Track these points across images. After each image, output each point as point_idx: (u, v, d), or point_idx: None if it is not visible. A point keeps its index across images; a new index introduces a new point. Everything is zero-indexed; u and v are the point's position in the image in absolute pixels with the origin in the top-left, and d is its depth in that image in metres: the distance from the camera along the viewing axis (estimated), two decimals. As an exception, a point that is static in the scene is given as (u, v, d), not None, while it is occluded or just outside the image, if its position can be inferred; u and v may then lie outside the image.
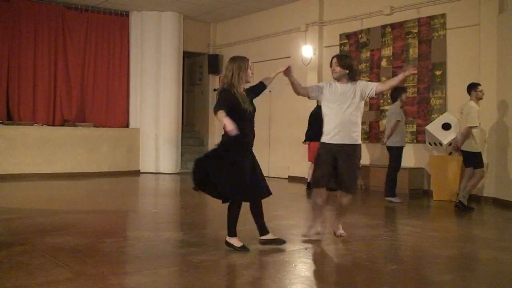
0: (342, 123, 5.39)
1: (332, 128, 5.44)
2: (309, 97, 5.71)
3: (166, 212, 8.00)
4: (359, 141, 5.50)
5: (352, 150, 5.42)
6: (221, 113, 4.64)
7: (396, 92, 8.84)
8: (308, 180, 10.21)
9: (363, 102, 5.52)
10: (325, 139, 5.51)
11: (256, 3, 12.79)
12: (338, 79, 5.50)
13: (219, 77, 14.83)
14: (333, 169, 5.43)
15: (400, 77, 5.56)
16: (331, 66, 5.58)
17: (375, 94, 5.62)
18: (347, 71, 5.47)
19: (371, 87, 5.49)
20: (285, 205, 8.48)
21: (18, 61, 12.32)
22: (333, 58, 5.62)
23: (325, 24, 11.89)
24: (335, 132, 5.41)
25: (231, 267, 4.50)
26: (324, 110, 5.54)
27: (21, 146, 11.84)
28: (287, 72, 5.34)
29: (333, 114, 5.45)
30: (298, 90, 5.63)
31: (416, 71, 5.01)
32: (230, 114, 4.66)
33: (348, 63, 5.50)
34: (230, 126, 4.55)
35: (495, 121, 8.46)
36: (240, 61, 4.90)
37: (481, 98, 7.95)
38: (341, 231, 5.62)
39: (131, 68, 13.81)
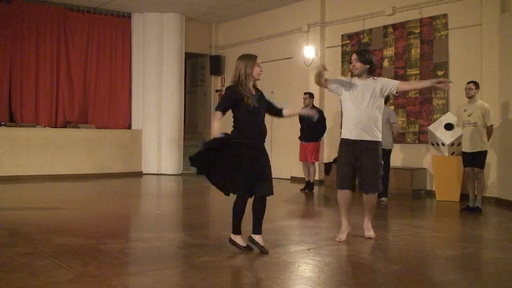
0: (363, 119, 5.37)
1: (353, 124, 5.41)
2: (328, 89, 5.69)
3: (169, 213, 8.00)
4: (380, 138, 5.47)
5: (373, 147, 5.40)
6: (215, 114, 4.80)
7: None
8: (307, 180, 10.22)
9: (383, 99, 5.52)
10: (345, 135, 5.50)
11: (258, 4, 12.79)
12: (359, 75, 5.51)
13: (222, 78, 14.86)
14: (354, 169, 5.46)
15: (427, 83, 5.73)
16: (350, 63, 5.61)
17: (396, 93, 5.63)
18: (368, 66, 5.50)
19: (393, 84, 5.48)
20: (287, 206, 8.48)
21: (20, 63, 12.35)
22: (352, 54, 5.66)
23: (326, 25, 11.89)
24: (356, 128, 5.39)
25: (234, 268, 4.50)
26: (344, 105, 5.53)
27: (24, 148, 11.86)
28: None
29: (353, 110, 5.42)
30: (321, 82, 5.54)
31: (449, 87, 5.05)
32: (234, 109, 4.82)
33: (368, 58, 5.52)
34: (214, 131, 4.68)
35: (498, 121, 8.43)
36: (247, 59, 4.92)
37: (468, 96, 7.83)
38: (370, 233, 5.62)
39: (133, 69, 13.83)
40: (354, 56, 5.58)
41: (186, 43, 14.12)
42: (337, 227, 6.54)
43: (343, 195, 5.55)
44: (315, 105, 10.21)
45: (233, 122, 4.90)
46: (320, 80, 5.48)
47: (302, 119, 9.94)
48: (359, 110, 5.38)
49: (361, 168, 5.43)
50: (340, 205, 5.63)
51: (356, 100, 5.41)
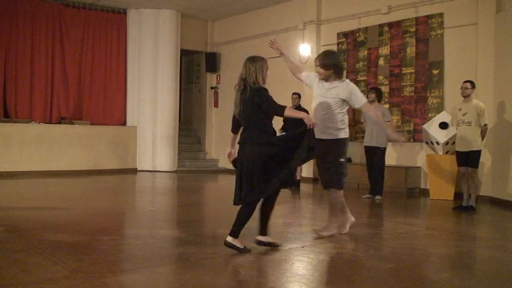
0: (322, 119, 5.31)
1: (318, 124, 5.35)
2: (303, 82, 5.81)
3: (163, 210, 7.99)
4: (340, 136, 5.39)
5: (330, 146, 5.36)
6: (291, 109, 4.81)
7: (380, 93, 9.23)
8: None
9: (345, 103, 5.41)
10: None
11: (254, 2, 12.78)
12: (325, 80, 5.40)
13: (217, 75, 14.84)
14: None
15: (387, 130, 6.16)
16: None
17: (356, 108, 5.68)
18: (332, 71, 5.35)
19: (359, 101, 5.43)
20: (282, 203, 8.49)
21: (15, 58, 12.28)
22: (315, 58, 5.55)
23: (322, 23, 11.89)
24: (318, 127, 5.20)
25: (228, 265, 4.50)
26: (313, 103, 5.56)
27: (18, 143, 11.81)
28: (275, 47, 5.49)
29: (316, 109, 5.44)
30: (295, 73, 5.76)
31: (402, 140, 5.63)
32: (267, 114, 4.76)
33: (329, 63, 5.34)
34: (310, 118, 4.68)
35: (492, 121, 8.45)
36: (264, 62, 4.87)
37: (463, 95, 7.82)
38: (340, 229, 5.60)
39: (128, 66, 13.78)
40: (316, 61, 5.45)
41: (181, 40, 14.08)
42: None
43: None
44: (301, 105, 10.31)
45: (262, 123, 4.75)
46: (292, 70, 5.76)
47: (287, 119, 10.03)
48: (319, 110, 5.38)
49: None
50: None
51: (319, 99, 5.42)
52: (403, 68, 10.18)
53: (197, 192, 10.32)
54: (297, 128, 4.79)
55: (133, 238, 5.46)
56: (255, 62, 4.82)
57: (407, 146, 10.18)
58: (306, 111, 10.11)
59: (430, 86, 9.74)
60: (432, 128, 8.93)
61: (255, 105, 4.67)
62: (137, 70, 13.71)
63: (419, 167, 9.92)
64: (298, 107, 10.13)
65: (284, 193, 9.66)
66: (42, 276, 3.85)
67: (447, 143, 8.77)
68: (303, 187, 10.59)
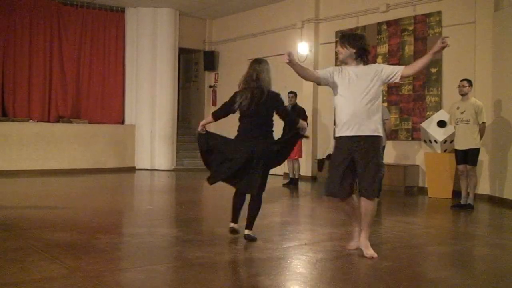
0: (358, 113, 4.54)
1: (346, 120, 4.59)
2: (319, 83, 4.80)
3: (162, 208, 7.99)
4: (380, 133, 4.64)
5: (371, 143, 4.56)
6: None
7: None
8: (291, 176, 10.45)
9: (381, 87, 4.73)
10: (338, 132, 4.70)
11: (253, 0, 12.77)
12: (344, 61, 4.73)
13: (215, 74, 14.84)
14: (352, 172, 4.62)
15: (427, 57, 4.62)
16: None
17: (399, 79, 4.76)
18: (354, 51, 4.67)
19: (395, 71, 4.67)
20: (280, 202, 8.49)
21: (13, 57, 12.28)
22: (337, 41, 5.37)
23: (321, 21, 11.90)
24: (350, 123, 4.57)
25: (227, 263, 4.50)
26: (336, 99, 4.72)
27: (16, 142, 11.81)
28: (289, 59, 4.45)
29: (346, 103, 4.61)
30: (304, 75, 4.70)
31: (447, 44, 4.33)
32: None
33: (354, 42, 4.70)
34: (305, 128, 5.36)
35: (490, 119, 8.46)
36: (269, 65, 5.21)
37: (461, 93, 7.79)
38: (368, 251, 4.61)
39: (126, 64, 13.78)
40: (338, 43, 4.89)
41: (180, 39, 14.08)
42: (330, 224, 6.57)
43: (344, 202, 4.78)
44: (298, 103, 10.32)
45: (271, 124, 5.27)
46: (301, 73, 4.65)
47: (284, 117, 10.04)
48: (352, 103, 4.57)
49: (357, 169, 4.61)
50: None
51: (347, 92, 4.61)
52: (401, 67, 10.18)
53: (196, 191, 10.32)
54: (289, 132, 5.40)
55: (131, 236, 5.46)
56: (263, 64, 5.12)
57: (405, 144, 10.19)
58: (303, 110, 10.15)
59: (428, 84, 9.75)
60: (430, 126, 8.94)
61: (272, 108, 5.11)
62: (135, 68, 13.71)
63: (418, 165, 9.93)
64: (295, 106, 10.13)
65: (283, 191, 9.70)
66: (41, 275, 3.85)
67: (445, 141, 8.79)
68: (301, 185, 10.59)
